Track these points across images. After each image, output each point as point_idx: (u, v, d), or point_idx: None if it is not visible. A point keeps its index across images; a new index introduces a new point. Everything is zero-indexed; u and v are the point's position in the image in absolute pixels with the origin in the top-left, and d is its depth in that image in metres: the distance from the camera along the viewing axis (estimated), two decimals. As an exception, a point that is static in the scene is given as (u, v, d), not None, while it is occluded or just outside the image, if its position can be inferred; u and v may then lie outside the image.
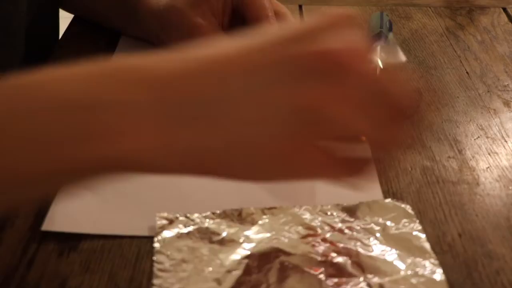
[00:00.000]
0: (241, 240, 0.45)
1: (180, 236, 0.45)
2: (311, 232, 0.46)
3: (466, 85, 0.66)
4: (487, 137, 0.58)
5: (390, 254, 0.44)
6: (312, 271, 0.42)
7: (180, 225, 0.46)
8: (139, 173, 0.35)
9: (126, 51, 0.66)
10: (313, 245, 0.44)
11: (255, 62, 0.33)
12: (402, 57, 0.68)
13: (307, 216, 0.47)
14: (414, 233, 0.46)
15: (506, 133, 0.58)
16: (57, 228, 0.46)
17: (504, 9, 0.83)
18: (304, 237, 0.45)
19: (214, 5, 0.61)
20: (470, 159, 0.55)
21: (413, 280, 0.42)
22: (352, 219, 0.47)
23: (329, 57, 0.33)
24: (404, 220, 0.47)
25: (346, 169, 0.36)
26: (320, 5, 0.83)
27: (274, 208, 0.48)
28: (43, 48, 0.69)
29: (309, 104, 0.33)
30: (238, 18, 0.61)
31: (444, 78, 0.67)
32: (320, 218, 0.47)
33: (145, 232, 0.46)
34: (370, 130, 0.35)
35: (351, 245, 0.45)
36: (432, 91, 0.65)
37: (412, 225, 0.47)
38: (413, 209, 0.48)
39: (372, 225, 0.46)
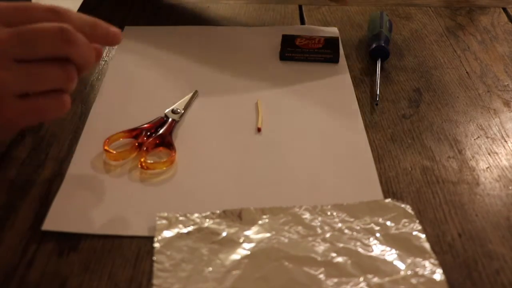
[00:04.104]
0: (241, 240, 0.45)
1: (180, 236, 0.45)
2: (311, 232, 0.46)
3: (466, 85, 0.66)
4: (487, 137, 0.58)
5: (390, 254, 0.44)
6: (312, 271, 0.42)
7: (180, 225, 0.46)
8: None
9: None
10: (313, 245, 0.44)
11: None
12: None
13: (307, 216, 0.47)
14: (414, 233, 0.46)
15: (506, 133, 0.58)
16: (57, 228, 0.46)
17: (504, 9, 0.84)
18: (304, 237, 0.45)
19: None
20: (470, 159, 0.55)
21: (413, 280, 0.42)
22: (352, 219, 0.47)
23: None
24: (404, 220, 0.47)
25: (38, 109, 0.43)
26: (320, 5, 0.83)
27: (274, 208, 0.48)
28: None
29: None
30: None
31: (444, 78, 0.67)
32: (320, 218, 0.47)
33: (145, 232, 0.46)
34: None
35: (351, 245, 0.45)
36: (432, 91, 0.65)
37: (412, 225, 0.47)
38: (413, 209, 0.48)
39: (372, 225, 0.46)
